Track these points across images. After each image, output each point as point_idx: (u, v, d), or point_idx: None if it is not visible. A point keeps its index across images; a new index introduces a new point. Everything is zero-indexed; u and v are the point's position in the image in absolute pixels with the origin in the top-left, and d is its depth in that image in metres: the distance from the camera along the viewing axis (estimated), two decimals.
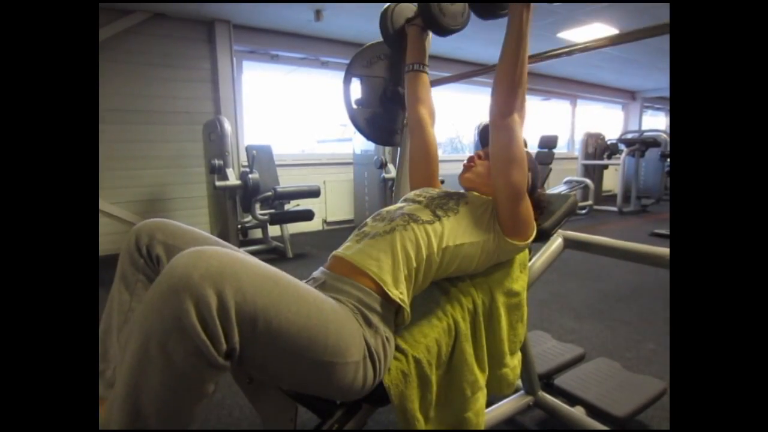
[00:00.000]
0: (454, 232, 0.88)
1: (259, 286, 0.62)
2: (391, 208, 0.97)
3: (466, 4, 1.22)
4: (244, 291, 0.59)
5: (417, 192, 1.04)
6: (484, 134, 1.24)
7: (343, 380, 0.71)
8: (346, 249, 0.87)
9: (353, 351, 0.71)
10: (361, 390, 0.75)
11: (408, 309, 0.82)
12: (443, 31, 1.23)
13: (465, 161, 1.09)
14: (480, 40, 4.72)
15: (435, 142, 1.21)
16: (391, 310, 0.81)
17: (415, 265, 0.83)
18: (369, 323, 0.76)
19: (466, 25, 1.27)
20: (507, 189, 0.90)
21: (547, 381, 1.44)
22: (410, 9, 1.34)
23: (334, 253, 0.89)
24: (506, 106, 0.88)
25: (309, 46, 4.60)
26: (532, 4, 0.86)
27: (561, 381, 1.40)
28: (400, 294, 0.80)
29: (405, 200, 1.01)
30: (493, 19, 1.03)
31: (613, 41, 0.91)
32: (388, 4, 1.33)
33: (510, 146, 0.89)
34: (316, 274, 0.88)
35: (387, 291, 0.79)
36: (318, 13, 3.88)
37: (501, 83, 0.88)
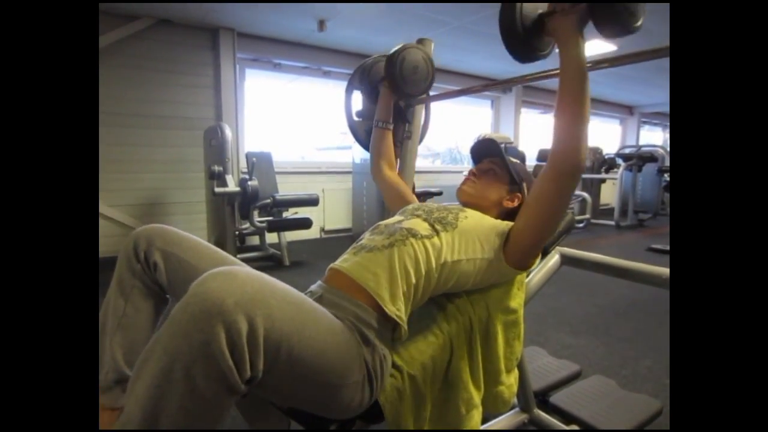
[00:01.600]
0: (452, 247, 0.88)
1: (286, 311, 0.62)
2: (390, 221, 0.97)
3: (429, 74, 1.28)
4: (273, 318, 0.59)
5: (415, 206, 1.04)
6: (475, 151, 1.23)
7: (344, 400, 0.71)
8: (343, 262, 0.87)
9: (355, 371, 0.71)
10: (358, 408, 0.74)
11: (405, 326, 0.81)
12: (404, 96, 1.31)
13: (464, 178, 1.10)
14: (481, 53, 4.77)
15: (399, 181, 1.28)
16: (387, 326, 0.81)
17: (414, 281, 0.83)
18: (366, 341, 0.76)
19: (428, 90, 1.33)
20: (538, 233, 0.87)
21: (543, 398, 1.43)
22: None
23: (331, 265, 0.88)
24: (578, 152, 0.79)
25: (311, 56, 4.64)
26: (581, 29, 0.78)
27: (556, 399, 1.39)
28: (397, 311, 0.80)
29: (403, 213, 1.01)
30: (533, 62, 0.91)
31: (613, 63, 0.92)
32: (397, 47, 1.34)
33: (564, 194, 0.83)
34: (313, 287, 0.88)
35: (384, 307, 0.78)
36: (321, 24, 3.92)
37: (569, 133, 0.79)
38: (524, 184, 1.06)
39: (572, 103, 0.79)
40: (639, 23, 0.78)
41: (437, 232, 0.89)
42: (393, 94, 1.29)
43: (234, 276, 0.58)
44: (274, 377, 0.62)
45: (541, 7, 0.85)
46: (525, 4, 0.84)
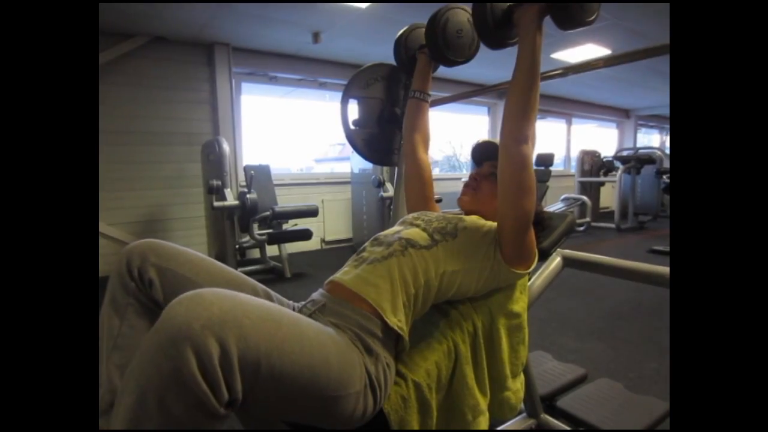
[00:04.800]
0: (452, 257, 0.87)
1: (262, 329, 0.60)
2: (389, 231, 0.96)
3: (475, 37, 1.21)
4: (247, 337, 0.57)
5: (415, 215, 1.03)
6: (476, 153, 1.24)
7: (344, 411, 0.69)
8: (343, 274, 0.86)
9: (355, 381, 0.70)
10: (362, 418, 0.73)
11: (407, 337, 0.80)
12: (447, 63, 1.23)
13: (464, 185, 1.09)
14: (477, 60, 4.77)
15: (429, 167, 1.21)
16: (391, 336, 0.80)
17: (413, 291, 0.82)
18: (369, 351, 0.74)
19: (474, 56, 1.25)
20: (515, 219, 0.88)
21: (550, 403, 1.42)
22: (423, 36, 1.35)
23: (331, 278, 0.88)
24: (520, 132, 0.85)
25: (307, 68, 4.67)
26: (544, 27, 0.87)
27: (563, 403, 1.37)
28: (399, 322, 0.79)
29: (402, 223, 1.00)
30: (502, 49, 1.01)
31: (608, 62, 0.93)
32: (403, 29, 1.35)
33: (522, 174, 0.86)
34: (315, 296, 0.87)
35: (385, 319, 0.77)
36: (316, 36, 3.95)
37: (514, 109, 0.87)
38: None
39: (522, 86, 0.86)
40: (592, 18, 0.87)
41: (436, 243, 0.88)
42: (433, 61, 1.24)
43: (200, 299, 0.57)
44: (261, 396, 0.60)
45: (509, 2, 0.95)
46: (495, 2, 0.94)
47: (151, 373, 0.53)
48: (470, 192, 1.07)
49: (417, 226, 0.94)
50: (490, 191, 1.05)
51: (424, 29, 1.22)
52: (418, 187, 1.19)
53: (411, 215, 1.04)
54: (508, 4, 0.94)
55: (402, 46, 1.34)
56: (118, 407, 0.55)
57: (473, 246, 0.90)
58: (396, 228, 0.98)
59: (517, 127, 0.86)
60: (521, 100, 0.86)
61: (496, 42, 0.98)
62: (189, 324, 0.53)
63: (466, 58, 1.22)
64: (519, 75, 0.87)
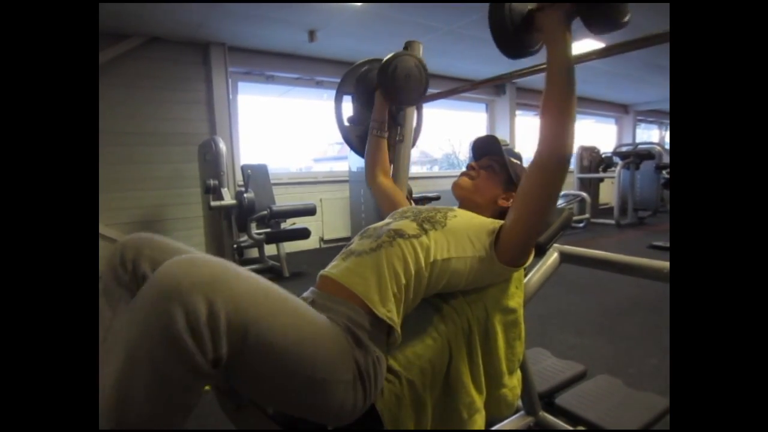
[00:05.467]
0: (441, 245, 0.86)
1: (251, 296, 0.60)
2: (378, 224, 0.95)
3: (423, 81, 1.27)
4: (236, 301, 0.57)
5: (404, 209, 1.02)
6: (476, 148, 1.24)
7: (332, 400, 0.68)
8: (332, 268, 0.86)
9: (343, 370, 0.69)
10: (351, 413, 0.71)
11: (398, 329, 0.79)
12: (399, 104, 1.30)
13: (462, 172, 1.09)
14: (471, 57, 4.79)
15: (393, 188, 1.26)
16: (381, 329, 0.78)
17: (404, 281, 0.81)
18: (359, 343, 0.73)
19: (422, 98, 1.32)
20: (528, 229, 0.86)
21: (548, 400, 1.40)
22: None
23: (321, 272, 0.87)
24: (564, 148, 0.79)
25: (304, 67, 4.66)
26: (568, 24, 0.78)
27: (562, 400, 1.36)
28: (388, 312, 0.77)
29: (392, 216, 0.99)
30: (522, 58, 0.91)
31: (606, 53, 0.91)
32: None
33: (551, 189, 0.83)
34: (306, 294, 0.86)
35: (374, 310, 0.76)
36: (312, 34, 3.94)
37: (554, 127, 0.79)
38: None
39: (558, 99, 0.79)
40: (626, 18, 0.78)
41: (425, 231, 0.87)
42: (387, 102, 1.28)
43: (193, 260, 0.58)
44: (247, 364, 0.60)
45: (531, 4, 0.85)
46: (513, 2, 0.84)
47: (141, 328, 0.54)
48: (467, 179, 1.06)
49: (407, 217, 0.93)
50: (485, 182, 1.05)
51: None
52: (389, 203, 1.22)
53: (401, 209, 1.03)
54: (528, 7, 0.85)
55: (362, 82, 1.37)
56: (106, 367, 0.56)
57: (464, 235, 0.88)
58: (386, 220, 0.97)
59: (559, 145, 0.79)
60: (561, 118, 0.79)
61: (516, 49, 0.88)
62: (179, 281, 0.54)
63: (416, 99, 1.31)
64: (553, 88, 0.79)
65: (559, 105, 0.79)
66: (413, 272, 0.82)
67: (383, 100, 1.27)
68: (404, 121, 1.46)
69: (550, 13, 0.80)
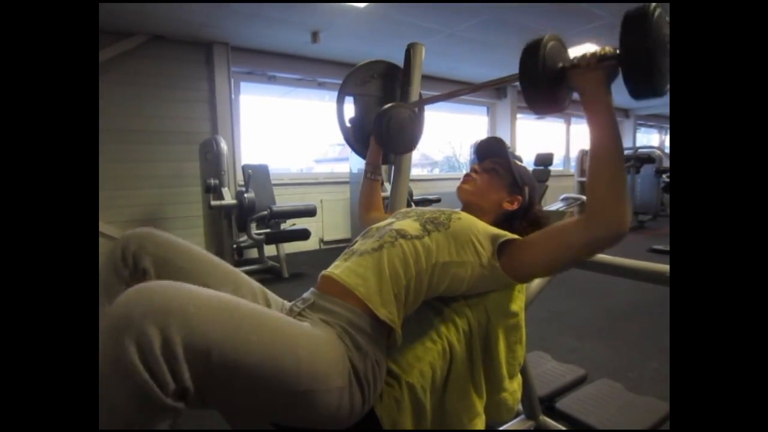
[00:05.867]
0: (444, 248, 0.85)
1: (211, 318, 0.58)
2: (381, 224, 0.94)
3: (415, 134, 1.32)
4: (193, 325, 0.55)
5: (408, 209, 1.01)
6: (481, 150, 1.24)
7: (326, 408, 0.67)
8: (334, 268, 0.85)
9: (334, 376, 0.67)
10: (349, 417, 0.70)
11: (399, 330, 0.78)
12: (393, 152, 1.37)
13: (465, 175, 1.08)
14: (472, 60, 4.79)
15: (384, 216, 1.23)
16: (381, 332, 0.78)
17: (404, 282, 0.80)
18: (358, 347, 0.73)
19: (414, 148, 1.38)
20: (553, 267, 0.84)
21: (549, 404, 1.40)
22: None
23: (323, 272, 0.86)
24: (622, 224, 0.72)
25: (306, 68, 4.66)
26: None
27: (563, 404, 1.36)
28: (389, 314, 0.77)
29: (395, 216, 0.99)
30: (551, 114, 0.88)
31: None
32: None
33: (590, 254, 0.79)
34: (305, 294, 0.86)
35: (375, 311, 0.76)
36: (315, 35, 3.94)
37: (609, 194, 0.72)
38: (526, 188, 1.03)
39: (607, 168, 0.72)
40: (668, 86, 0.69)
41: (428, 232, 0.86)
42: (380, 149, 1.31)
43: (144, 289, 0.57)
44: (218, 388, 0.59)
45: (563, 59, 0.79)
46: (547, 53, 0.77)
47: (100, 361, 0.53)
48: (471, 182, 1.05)
49: (410, 217, 0.93)
50: (488, 185, 1.03)
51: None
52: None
53: (404, 209, 1.02)
54: (560, 63, 0.78)
55: (357, 128, 1.41)
56: None
57: (467, 240, 0.86)
58: (388, 220, 0.96)
59: (616, 220, 0.72)
60: (612, 186, 0.72)
61: (546, 105, 0.80)
62: (129, 313, 0.53)
63: (408, 149, 1.36)
64: (599, 155, 0.73)
65: (610, 172, 0.72)
66: (414, 273, 0.81)
67: (377, 147, 1.29)
68: None
69: (588, 74, 0.73)
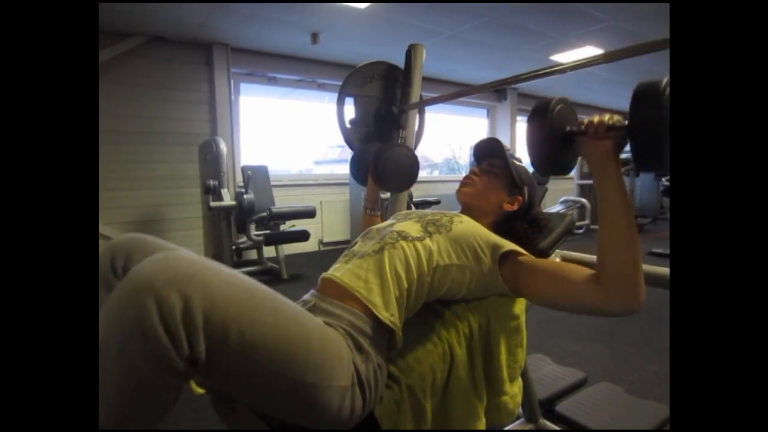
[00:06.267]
0: (445, 250, 0.84)
1: (232, 295, 0.59)
2: (381, 225, 0.94)
3: (412, 174, 1.33)
4: (214, 298, 0.56)
5: (409, 211, 1.01)
6: (478, 151, 1.23)
7: (327, 406, 0.66)
8: (335, 270, 0.84)
9: (339, 375, 0.67)
10: (349, 420, 0.70)
11: (400, 332, 0.78)
12: (389, 191, 1.39)
13: (464, 178, 1.07)
14: (473, 62, 4.79)
15: None
16: (383, 335, 0.77)
17: (406, 285, 0.79)
18: (360, 349, 0.72)
19: (411, 186, 1.37)
20: (551, 306, 0.81)
21: (549, 407, 1.39)
22: None
23: (323, 275, 0.85)
24: (636, 298, 0.70)
25: (306, 69, 4.65)
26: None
27: (563, 407, 1.35)
28: (391, 316, 0.76)
29: (395, 217, 0.98)
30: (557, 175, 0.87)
31: (606, 58, 0.90)
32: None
33: (592, 313, 0.75)
34: (306, 296, 0.85)
35: (377, 314, 0.75)
36: (315, 36, 3.94)
37: (623, 265, 0.70)
38: (525, 188, 1.03)
39: (619, 235, 0.71)
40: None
41: (429, 234, 0.86)
42: (377, 187, 1.31)
43: (171, 258, 0.57)
44: (231, 366, 0.59)
45: (570, 122, 0.78)
46: (555, 116, 0.76)
47: (113, 321, 0.54)
48: (470, 184, 1.04)
49: (411, 219, 0.92)
50: (488, 187, 1.03)
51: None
52: None
53: (405, 211, 1.02)
54: (567, 128, 0.77)
55: (355, 163, 1.42)
56: None
57: (469, 244, 0.85)
58: (389, 221, 0.95)
59: (630, 289, 0.70)
60: (629, 257, 0.69)
61: (554, 168, 0.81)
62: (154, 277, 0.54)
63: (405, 187, 1.36)
64: (610, 225, 0.71)
65: (624, 243, 0.70)
66: (416, 276, 0.80)
67: (374, 185, 1.30)
68: (406, 124, 1.45)
69: (596, 143, 0.73)
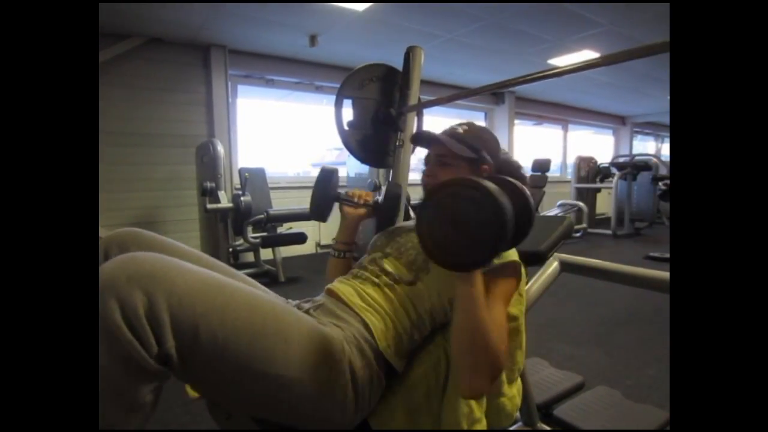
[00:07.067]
0: (434, 290, 0.83)
1: (199, 291, 0.58)
2: (376, 254, 0.94)
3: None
4: (180, 295, 0.55)
5: (384, 241, 0.99)
6: (419, 143, 1.18)
7: (314, 403, 0.65)
8: (340, 284, 0.86)
9: (327, 376, 0.66)
10: (341, 420, 0.68)
11: (400, 371, 0.78)
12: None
13: (426, 172, 1.00)
14: (471, 65, 4.81)
15: None
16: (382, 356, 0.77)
17: (408, 325, 0.81)
18: (362, 353, 0.71)
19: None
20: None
21: (546, 411, 1.38)
22: None
23: (328, 286, 0.85)
24: (476, 388, 0.68)
25: (304, 71, 4.65)
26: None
27: (560, 411, 1.34)
28: (398, 361, 0.77)
29: (380, 246, 0.98)
30: None
31: (605, 61, 0.90)
32: None
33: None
34: (317, 297, 0.85)
35: (384, 353, 0.76)
36: (313, 39, 3.94)
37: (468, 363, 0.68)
38: (484, 152, 0.95)
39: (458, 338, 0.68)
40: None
41: (418, 278, 0.85)
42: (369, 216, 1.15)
43: (134, 256, 0.57)
44: (205, 365, 0.58)
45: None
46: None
47: None
48: (432, 180, 0.97)
49: (397, 258, 0.91)
50: (446, 174, 0.94)
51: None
52: None
53: (380, 241, 1.00)
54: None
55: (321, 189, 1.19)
56: None
57: (449, 273, 0.75)
58: (377, 253, 0.95)
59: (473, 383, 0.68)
60: (466, 355, 0.67)
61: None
62: (116, 276, 0.53)
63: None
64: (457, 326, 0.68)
65: (461, 344, 0.67)
66: (415, 319, 0.81)
67: (359, 216, 1.12)
68: (404, 126, 1.45)
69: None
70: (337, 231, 1.13)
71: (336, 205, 1.17)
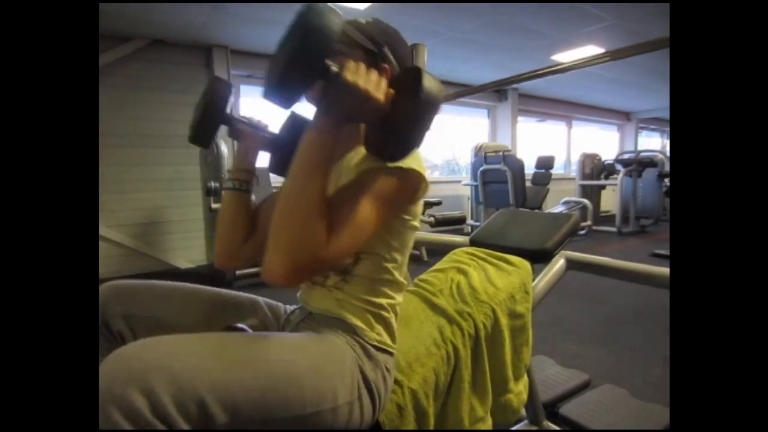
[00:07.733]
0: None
1: (197, 367, 0.56)
2: None
3: None
4: (180, 380, 0.54)
5: None
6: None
7: (336, 424, 0.65)
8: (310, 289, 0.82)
9: (342, 392, 0.65)
10: (359, 427, 0.69)
11: (395, 353, 0.76)
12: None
13: None
14: (474, 62, 4.79)
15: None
16: (389, 333, 0.76)
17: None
18: (368, 354, 0.71)
19: None
20: None
21: (552, 409, 1.38)
22: None
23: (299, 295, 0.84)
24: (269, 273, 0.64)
25: None
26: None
27: (566, 410, 1.33)
28: (378, 335, 0.74)
29: None
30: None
31: (606, 57, 0.89)
32: None
33: None
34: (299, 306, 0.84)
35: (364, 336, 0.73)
36: None
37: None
38: (386, 49, 0.85)
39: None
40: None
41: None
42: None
43: (120, 357, 0.55)
44: (223, 430, 0.57)
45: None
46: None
47: None
48: None
49: None
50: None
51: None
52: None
53: None
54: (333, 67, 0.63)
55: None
56: None
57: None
58: None
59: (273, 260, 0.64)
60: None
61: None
62: (110, 386, 0.51)
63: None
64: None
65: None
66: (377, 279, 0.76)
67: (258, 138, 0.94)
68: None
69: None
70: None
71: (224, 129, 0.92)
